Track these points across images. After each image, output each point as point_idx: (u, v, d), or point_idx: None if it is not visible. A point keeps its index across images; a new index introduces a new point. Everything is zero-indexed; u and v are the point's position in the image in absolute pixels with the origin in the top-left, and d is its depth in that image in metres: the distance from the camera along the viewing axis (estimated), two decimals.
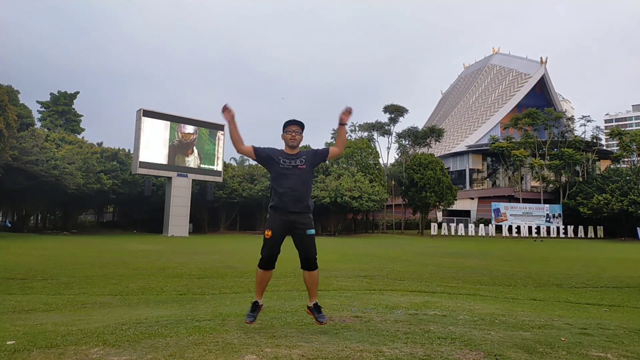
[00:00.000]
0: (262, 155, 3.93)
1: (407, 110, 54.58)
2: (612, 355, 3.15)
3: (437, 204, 48.79)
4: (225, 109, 3.85)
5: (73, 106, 56.32)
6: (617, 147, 58.87)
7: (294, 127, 3.91)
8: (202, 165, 40.30)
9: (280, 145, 4.05)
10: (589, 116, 60.11)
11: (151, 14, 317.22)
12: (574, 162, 53.59)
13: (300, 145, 4.03)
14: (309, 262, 3.84)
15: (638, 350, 3.35)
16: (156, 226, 40.01)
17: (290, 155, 3.90)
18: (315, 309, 3.83)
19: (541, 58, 76.31)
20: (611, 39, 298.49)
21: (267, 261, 3.81)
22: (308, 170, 3.90)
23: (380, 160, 52.80)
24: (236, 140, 3.93)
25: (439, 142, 58.95)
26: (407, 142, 55.41)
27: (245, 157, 55.08)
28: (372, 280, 9.31)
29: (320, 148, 4.06)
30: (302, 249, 3.83)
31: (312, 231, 3.84)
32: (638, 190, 47.12)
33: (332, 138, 60.48)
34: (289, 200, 3.78)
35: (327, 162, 4.06)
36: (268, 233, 3.78)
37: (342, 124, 3.87)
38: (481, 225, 50.40)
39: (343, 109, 3.82)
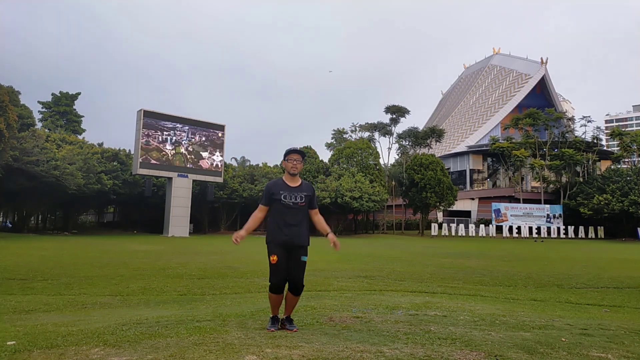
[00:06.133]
0: (269, 203, 4.07)
1: (408, 111, 54.62)
2: (613, 356, 3.15)
3: (438, 204, 48.78)
4: (237, 238, 4.08)
5: (74, 107, 56.41)
6: (618, 148, 58.87)
7: (295, 156, 4.08)
8: (202, 166, 40.33)
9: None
10: (589, 116, 60.16)
11: (152, 16, 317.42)
12: (575, 162, 53.57)
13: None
14: (296, 287, 4.00)
15: (638, 351, 3.34)
16: (156, 226, 40.02)
17: (291, 188, 4.04)
18: (288, 320, 4.00)
19: (541, 58, 76.38)
20: (612, 40, 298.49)
21: (278, 286, 3.94)
22: (306, 207, 4.09)
23: (381, 160, 52.84)
24: (257, 222, 4.17)
25: (440, 142, 58.97)
26: (407, 143, 55.43)
27: (246, 158, 55.33)
28: (373, 280, 9.31)
29: (315, 200, 4.20)
30: (292, 274, 3.98)
31: (305, 258, 4.02)
32: (638, 190, 47.09)
33: (332, 138, 60.59)
34: (287, 236, 3.94)
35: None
36: (274, 259, 3.91)
37: (329, 238, 4.08)
38: (481, 226, 50.39)
39: (334, 245, 4.07)
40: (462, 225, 49.51)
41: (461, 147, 70.78)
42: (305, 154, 4.18)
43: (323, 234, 4.12)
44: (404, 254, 18.37)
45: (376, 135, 56.34)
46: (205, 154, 40.70)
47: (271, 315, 4.02)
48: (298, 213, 4.00)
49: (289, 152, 4.09)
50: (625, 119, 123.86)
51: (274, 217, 4.02)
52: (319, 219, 4.21)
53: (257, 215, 4.14)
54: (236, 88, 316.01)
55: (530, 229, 50.13)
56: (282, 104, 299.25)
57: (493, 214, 51.69)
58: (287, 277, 3.97)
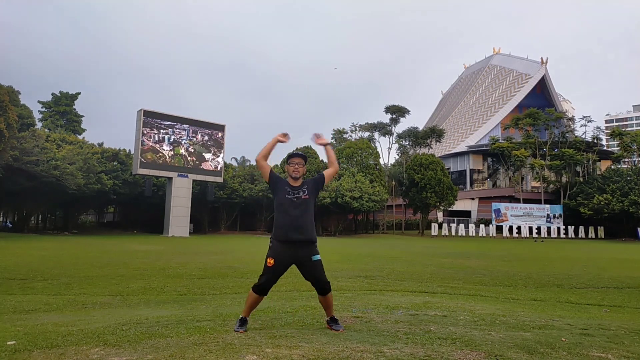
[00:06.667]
0: (273, 179, 4.09)
1: (408, 111, 54.64)
2: (613, 356, 3.14)
3: (438, 204, 48.79)
4: (284, 135, 4.15)
5: (74, 107, 56.43)
6: (618, 148, 58.88)
7: (297, 159, 4.07)
8: (202, 166, 40.34)
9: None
10: (589, 116, 60.20)
11: (152, 15, 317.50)
12: (575, 162, 53.58)
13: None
14: (321, 287, 3.92)
15: (639, 351, 3.34)
16: (157, 226, 40.02)
17: (294, 187, 4.02)
18: (332, 321, 3.94)
19: (542, 58, 76.36)
20: (612, 40, 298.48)
21: (264, 289, 3.87)
22: (311, 199, 4.04)
23: (381, 160, 52.88)
24: (266, 153, 4.14)
25: (440, 142, 58.98)
26: (407, 143, 55.44)
27: (246, 158, 55.29)
28: (373, 280, 9.31)
29: (317, 176, 4.20)
30: (311, 278, 3.91)
31: (318, 257, 3.91)
32: (638, 190, 47.10)
33: (332, 138, 60.57)
34: (292, 230, 3.85)
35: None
36: (270, 261, 3.82)
37: (323, 145, 4.11)
38: (482, 226, 50.39)
39: (313, 137, 4.09)
40: (462, 225, 49.52)
41: (461, 147, 70.78)
42: (306, 157, 4.13)
43: (329, 152, 4.19)
44: (404, 254, 18.37)
45: (376, 135, 56.39)
46: (208, 155, 40.73)
47: (241, 317, 3.87)
48: (302, 209, 3.93)
49: (290, 156, 4.09)
50: (625, 119, 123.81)
51: (278, 214, 3.98)
52: (328, 169, 4.24)
53: (266, 163, 4.15)
54: (236, 88, 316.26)
55: (530, 229, 50.14)
56: (282, 104, 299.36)
57: (493, 214, 51.70)
58: (311, 283, 3.91)
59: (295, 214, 3.88)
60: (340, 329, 3.82)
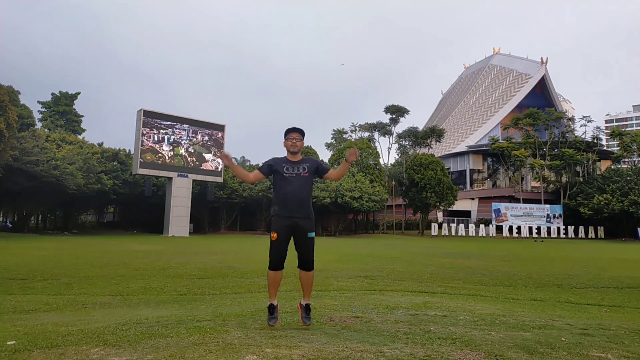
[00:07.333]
0: (268, 171, 4.13)
1: (408, 111, 54.61)
2: (613, 356, 3.14)
3: (438, 204, 48.79)
4: (222, 156, 4.19)
5: (74, 106, 56.44)
6: (618, 148, 58.89)
7: (294, 134, 4.12)
8: (202, 166, 40.32)
9: (280, 151, 4.19)
10: (589, 116, 60.15)
11: (153, 15, 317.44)
12: (575, 162, 53.58)
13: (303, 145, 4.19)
14: (306, 262, 4.02)
15: (638, 351, 3.34)
16: (157, 226, 40.01)
17: (292, 162, 4.09)
18: (306, 309, 4.02)
19: (542, 58, 76.39)
20: (612, 40, 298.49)
21: (276, 262, 3.97)
22: (310, 177, 4.09)
23: (381, 160, 52.88)
24: (242, 176, 4.22)
25: (440, 142, 58.97)
26: (407, 143, 55.42)
27: (246, 158, 55.38)
28: (373, 280, 9.30)
29: (323, 164, 4.23)
30: (301, 250, 4.02)
31: (312, 234, 4.03)
32: (638, 190, 47.10)
33: (332, 138, 60.57)
34: (291, 205, 3.96)
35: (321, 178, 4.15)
36: (274, 235, 3.95)
37: (347, 161, 4.03)
38: (481, 226, 50.38)
39: (352, 150, 3.98)
40: (462, 225, 49.51)
41: (461, 147, 70.79)
42: (304, 132, 4.19)
43: (346, 162, 4.02)
44: (404, 254, 18.37)
45: (376, 135, 56.36)
46: (208, 156, 40.70)
47: (268, 304, 4.02)
48: (301, 185, 4.01)
49: (288, 131, 4.13)
50: (625, 119, 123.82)
51: (277, 190, 4.07)
52: (334, 171, 4.15)
53: (249, 175, 4.18)
54: (236, 88, 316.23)
55: (530, 229, 50.13)
56: (282, 104, 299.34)
57: (493, 214, 51.69)
58: (297, 255, 4.00)
59: (292, 189, 3.98)
60: (309, 322, 3.92)
